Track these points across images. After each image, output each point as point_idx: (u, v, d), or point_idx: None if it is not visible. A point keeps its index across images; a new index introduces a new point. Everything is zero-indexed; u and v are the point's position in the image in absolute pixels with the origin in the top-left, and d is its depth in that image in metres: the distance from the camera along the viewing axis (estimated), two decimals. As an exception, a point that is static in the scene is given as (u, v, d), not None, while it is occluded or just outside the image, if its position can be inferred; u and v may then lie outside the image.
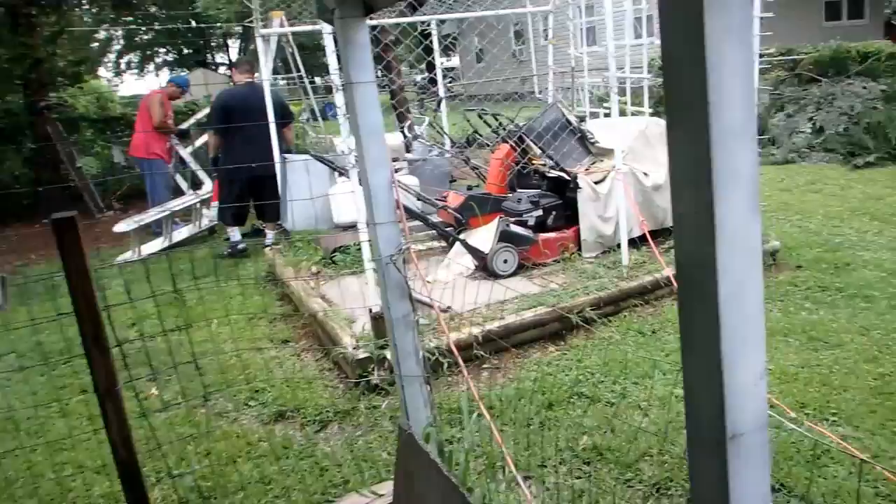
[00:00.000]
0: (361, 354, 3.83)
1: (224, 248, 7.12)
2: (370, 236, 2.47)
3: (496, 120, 6.17)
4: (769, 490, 0.99)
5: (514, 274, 4.92)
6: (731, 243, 0.83)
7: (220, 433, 3.50)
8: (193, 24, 25.09)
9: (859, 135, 8.84)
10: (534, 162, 5.65)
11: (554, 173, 5.39)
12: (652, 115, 6.06)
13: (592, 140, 5.63)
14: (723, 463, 0.92)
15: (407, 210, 5.04)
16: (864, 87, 9.53)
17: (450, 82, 10.39)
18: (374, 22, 7.16)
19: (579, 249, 5.14)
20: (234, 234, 7.00)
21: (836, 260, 5.16)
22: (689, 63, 0.79)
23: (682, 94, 0.82)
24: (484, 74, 12.88)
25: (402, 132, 7.28)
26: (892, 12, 36.72)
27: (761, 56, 12.68)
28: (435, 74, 7.92)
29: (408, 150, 7.03)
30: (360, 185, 2.47)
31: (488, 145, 6.56)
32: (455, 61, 24.57)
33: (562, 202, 5.28)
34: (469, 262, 5.02)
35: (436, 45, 7.37)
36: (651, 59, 8.60)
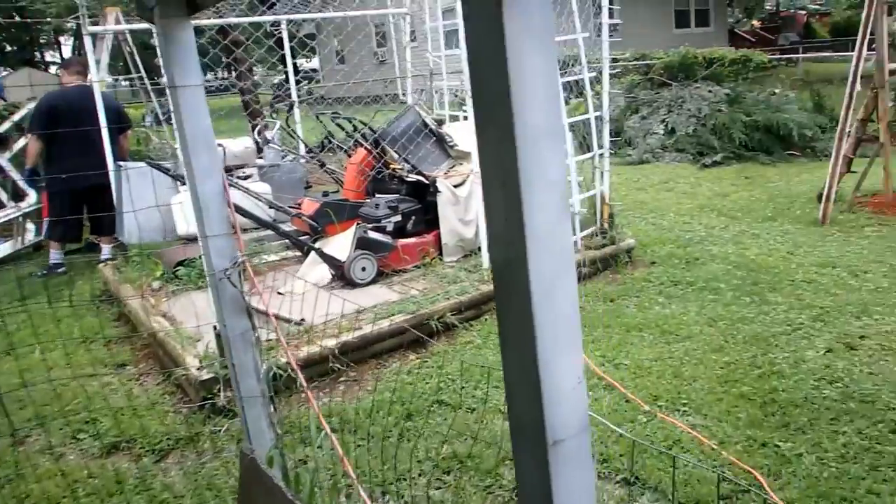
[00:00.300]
0: (206, 375, 3.63)
1: (39, 268, 6.54)
2: (202, 250, 2.36)
3: (350, 124, 6.10)
4: (593, 491, 1.00)
5: (373, 282, 4.86)
6: (542, 244, 0.84)
7: (41, 472, 3.17)
8: (17, 18, 23.12)
9: (706, 135, 9.62)
10: (392, 166, 5.63)
11: (413, 177, 5.40)
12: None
13: (451, 143, 5.69)
14: (545, 469, 0.92)
15: (256, 219, 4.85)
16: (710, 91, 10.39)
17: (308, 84, 10.19)
18: (212, 21, 6.88)
19: (440, 254, 5.18)
20: (56, 254, 6.44)
21: (687, 255, 5.54)
22: (492, 65, 0.81)
23: (486, 97, 0.84)
24: (345, 76, 12.78)
25: (253, 137, 7.04)
26: (735, 21, 40.51)
27: (616, 60, 13.52)
28: (296, 75, 7.74)
29: (259, 156, 6.80)
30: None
31: (345, 150, 6.48)
32: (316, 62, 24.25)
33: (421, 207, 5.29)
34: (325, 272, 4.91)
35: (287, 46, 7.19)
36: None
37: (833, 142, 6.54)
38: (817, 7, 46.37)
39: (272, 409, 2.65)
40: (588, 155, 5.47)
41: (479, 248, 4.98)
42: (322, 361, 3.77)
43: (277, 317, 4.05)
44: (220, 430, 3.46)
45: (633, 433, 3.14)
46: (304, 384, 2.39)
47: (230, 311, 2.40)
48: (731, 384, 3.52)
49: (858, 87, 6.49)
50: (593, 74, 5.47)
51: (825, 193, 6.30)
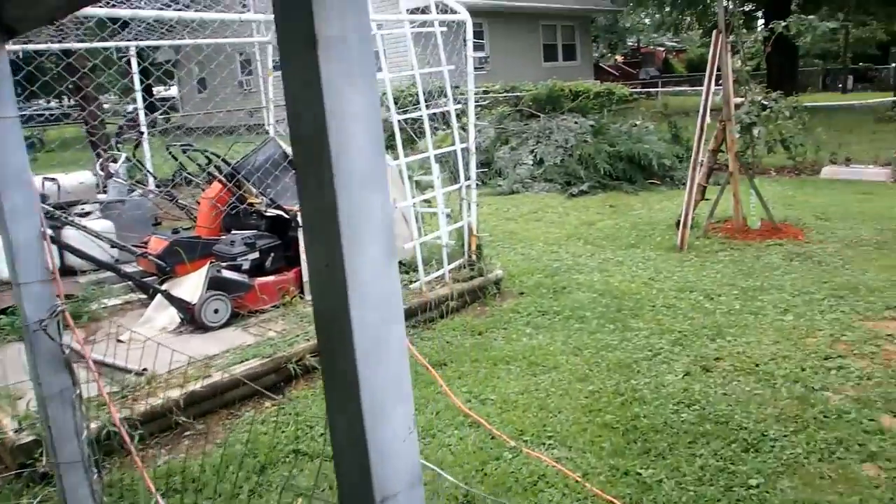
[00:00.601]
0: (26, 438, 3.28)
1: None
2: (13, 299, 2.19)
3: (203, 156, 5.87)
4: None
5: (227, 324, 4.62)
6: (366, 293, 0.82)
7: None
8: None
9: (573, 166, 10.07)
10: (249, 200, 5.44)
11: (272, 212, 5.23)
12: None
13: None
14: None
15: (94, 260, 4.52)
16: (577, 123, 10.91)
17: (165, 113, 9.76)
18: (48, 47, 6.43)
19: (302, 292, 5.03)
20: None
21: (554, 284, 5.70)
22: (309, 108, 0.80)
23: (305, 140, 0.83)
24: (205, 105, 12.36)
25: (95, 170, 6.61)
26: (600, 56, 43.17)
27: (486, 92, 13.94)
28: (146, 103, 7.37)
29: (102, 191, 6.38)
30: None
31: (198, 184, 6.21)
32: (174, 90, 23.40)
33: (281, 243, 5.13)
34: (174, 316, 4.63)
35: (136, 72, 6.86)
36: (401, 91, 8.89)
37: (689, 171, 7.01)
38: (675, 44, 50.36)
39: (96, 475, 2.42)
40: (455, 186, 5.53)
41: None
42: (166, 414, 3.51)
43: (115, 367, 3.76)
44: (45, 501, 3.12)
45: (499, 471, 3.13)
46: (128, 443, 2.20)
47: (46, 366, 2.23)
48: (596, 413, 3.60)
49: (708, 119, 7.02)
50: (459, 106, 5.57)
51: (682, 220, 6.72)
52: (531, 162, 10.38)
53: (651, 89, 24.67)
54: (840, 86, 35.17)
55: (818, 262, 6.02)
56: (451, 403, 3.61)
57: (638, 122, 11.93)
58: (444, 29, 5.35)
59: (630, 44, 50.88)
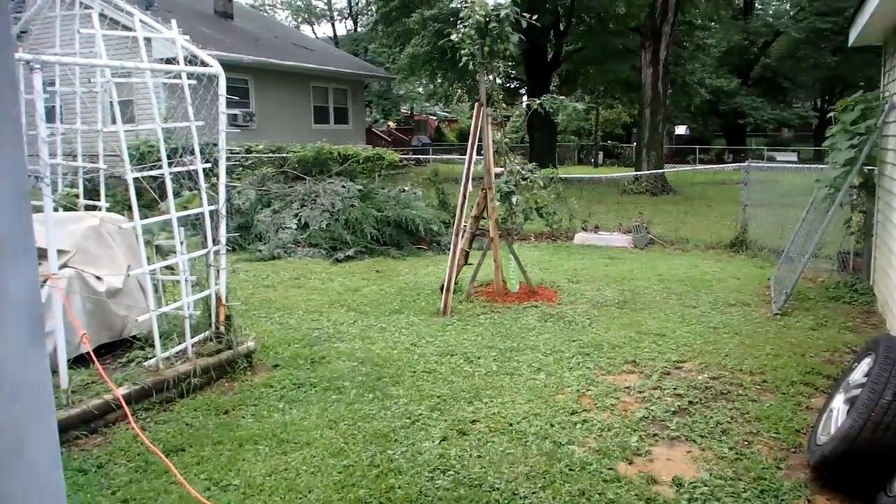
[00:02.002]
0: None
1: None
2: None
3: None
4: None
5: None
6: (3, 387, 0.70)
7: None
8: None
9: (339, 230, 10.17)
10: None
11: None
12: (109, 209, 5.80)
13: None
14: None
15: None
16: (344, 187, 11.08)
17: None
18: None
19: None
20: None
21: (312, 355, 5.60)
22: None
23: None
24: None
25: None
26: (373, 121, 44.74)
27: (250, 151, 13.70)
28: None
29: None
30: None
31: None
32: None
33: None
34: None
35: None
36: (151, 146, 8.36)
37: (453, 237, 7.38)
38: (446, 114, 53.83)
39: None
40: (201, 252, 5.27)
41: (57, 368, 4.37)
42: None
43: None
44: None
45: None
46: None
47: None
48: (349, 489, 3.54)
49: (471, 187, 7.49)
50: (208, 165, 5.36)
51: (446, 285, 7.02)
52: (295, 226, 10.31)
53: (422, 156, 25.96)
54: (592, 160, 39.77)
55: (569, 321, 6.59)
56: (185, 494, 3.34)
57: (407, 188, 12.42)
58: (194, 82, 5.18)
59: (404, 111, 53.48)
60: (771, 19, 39.57)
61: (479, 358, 5.55)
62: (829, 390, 4.39)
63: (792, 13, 38.92)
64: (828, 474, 3.50)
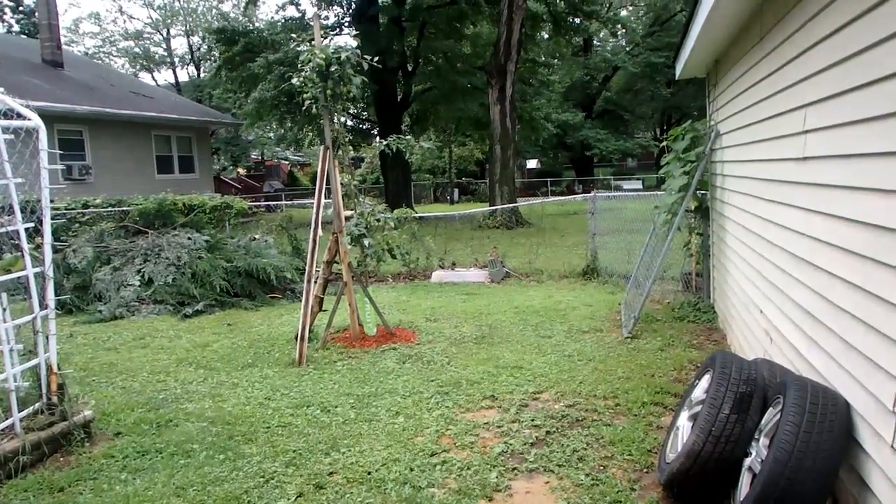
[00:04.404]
0: None
1: None
2: None
3: None
4: None
5: None
6: None
7: None
8: None
9: (186, 284, 9.76)
10: None
11: None
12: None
13: None
14: None
15: None
16: (190, 238, 10.67)
17: None
18: None
19: None
20: None
21: (158, 419, 5.30)
22: None
23: None
24: None
25: None
26: (221, 168, 43.63)
27: (86, 206, 12.95)
28: None
29: None
30: None
31: None
32: None
33: None
34: None
35: None
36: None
37: (305, 283, 7.27)
38: (299, 158, 53.42)
39: None
40: (26, 318, 4.88)
41: None
42: None
43: None
44: None
45: None
46: None
47: None
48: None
49: (321, 231, 7.43)
50: (31, 225, 5.00)
51: (300, 334, 6.88)
52: (138, 283, 9.77)
53: (274, 202, 25.56)
54: (448, 198, 40.70)
55: (427, 361, 6.64)
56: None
57: (258, 236, 12.16)
58: (11, 136, 4.84)
59: (254, 157, 52.53)
60: (609, 55, 43.08)
61: (336, 407, 5.47)
62: (677, 408, 4.69)
63: (628, 49, 42.54)
64: (677, 491, 3.67)
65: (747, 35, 5.66)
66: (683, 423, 3.97)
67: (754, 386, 3.47)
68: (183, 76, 52.42)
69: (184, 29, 49.85)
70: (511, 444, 4.59)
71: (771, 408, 3.34)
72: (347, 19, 29.50)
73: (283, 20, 29.85)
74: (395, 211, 12.84)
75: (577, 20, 30.33)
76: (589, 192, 13.05)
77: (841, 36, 3.21)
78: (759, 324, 5.24)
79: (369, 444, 4.68)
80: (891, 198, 2.63)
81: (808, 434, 2.88)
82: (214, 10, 48.65)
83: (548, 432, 4.78)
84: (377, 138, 27.66)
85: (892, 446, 2.59)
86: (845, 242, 3.14)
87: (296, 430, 4.99)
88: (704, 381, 3.99)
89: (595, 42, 45.15)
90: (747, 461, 3.29)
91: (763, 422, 3.36)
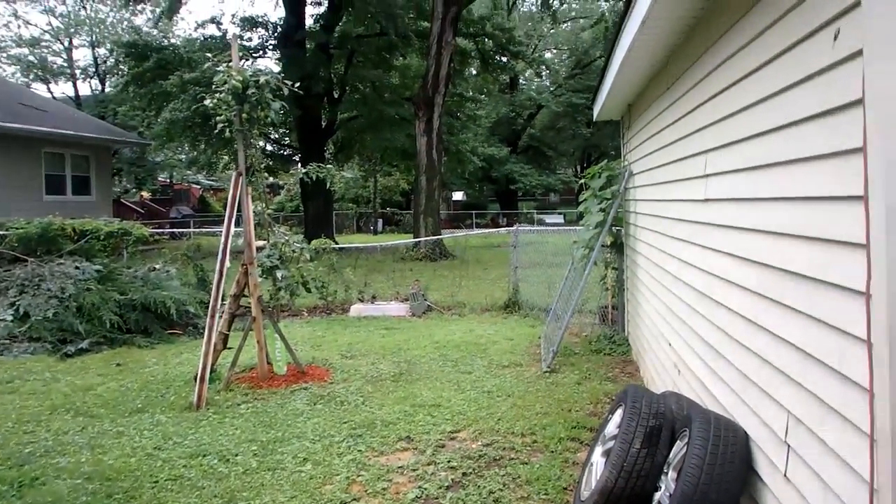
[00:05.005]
0: None
1: None
2: None
3: None
4: None
5: None
6: None
7: None
8: None
9: (70, 319, 9.32)
10: None
11: None
12: None
13: None
14: None
15: None
16: (78, 268, 10.28)
17: None
18: None
19: None
20: None
21: (21, 477, 4.87)
22: None
23: None
24: None
25: None
26: (122, 191, 42.50)
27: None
28: None
29: None
30: None
31: None
32: None
33: None
34: None
35: None
36: None
37: (207, 319, 7.10)
38: (211, 182, 52.49)
39: None
40: None
41: None
42: None
43: None
44: None
45: None
46: None
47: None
48: None
49: (229, 262, 7.32)
50: None
51: (199, 374, 6.69)
52: (11, 317, 9.25)
53: (181, 229, 25.02)
54: (372, 228, 40.71)
55: (341, 402, 6.59)
56: None
57: (158, 266, 11.85)
58: None
59: (162, 179, 51.31)
60: (534, 94, 46.36)
61: (236, 455, 5.33)
62: (591, 444, 4.80)
63: (551, 89, 46.22)
64: (592, 528, 3.77)
65: (656, 84, 6.17)
66: (597, 458, 4.08)
67: (663, 420, 3.61)
68: (85, 90, 50.90)
69: (89, 40, 48.51)
70: (426, 489, 4.60)
71: (679, 441, 3.48)
72: (272, 42, 29.52)
73: (202, 38, 29.61)
74: (314, 241, 12.84)
75: (504, 59, 32.14)
76: (512, 226, 13.37)
77: (726, 95, 3.67)
78: (669, 356, 5.51)
79: (271, 496, 4.58)
80: (775, 239, 2.90)
81: (712, 466, 3.02)
82: (126, 23, 47.60)
83: (464, 474, 4.81)
84: (298, 165, 27.54)
85: (784, 475, 2.76)
86: (741, 280, 3.41)
87: (188, 484, 4.82)
88: (617, 416, 4.11)
89: (521, 80, 48.77)
90: (657, 495, 3.41)
91: (671, 455, 3.49)
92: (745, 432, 3.26)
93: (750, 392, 3.25)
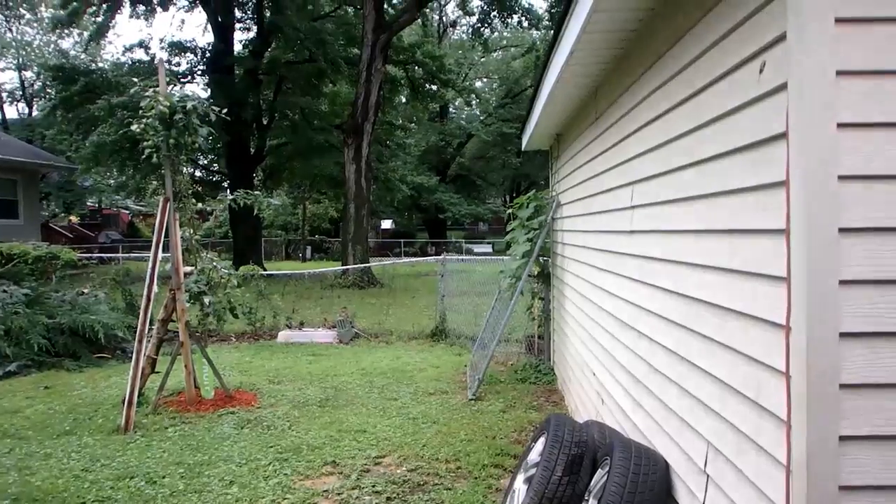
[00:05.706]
0: None
1: None
2: None
3: None
4: None
5: None
6: None
7: None
8: None
9: (-2, 343, 8.89)
10: None
11: None
12: None
13: None
14: None
15: None
16: (6, 291, 9.79)
17: None
18: None
19: None
20: None
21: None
22: None
23: None
24: None
25: None
26: (51, 215, 40.78)
27: None
28: None
29: None
30: None
31: None
32: None
33: None
34: None
35: None
36: None
37: (135, 343, 6.84)
38: (141, 207, 50.89)
39: None
40: None
41: None
42: None
43: None
44: None
45: None
46: None
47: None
48: None
49: (157, 288, 7.07)
50: None
51: (127, 398, 6.45)
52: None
53: (110, 254, 24.13)
54: (300, 255, 40.12)
55: (268, 426, 6.41)
56: None
57: (87, 290, 11.39)
58: None
59: (90, 204, 49.49)
60: (464, 123, 45.66)
61: (163, 477, 5.13)
62: (514, 471, 4.78)
63: (482, 118, 44.93)
64: (513, 556, 3.73)
65: (585, 114, 6.03)
66: (519, 485, 4.05)
67: (585, 448, 3.61)
68: (11, 113, 48.83)
69: (15, 62, 46.61)
70: (351, 513, 4.50)
71: (600, 469, 3.48)
72: (201, 68, 28.90)
73: (130, 62, 28.78)
74: (242, 267, 12.53)
75: (434, 87, 31.35)
76: (440, 255, 13.33)
77: (652, 127, 3.58)
78: (592, 386, 5.49)
79: (197, 519, 4.42)
80: (699, 271, 2.86)
81: (632, 495, 3.02)
82: (53, 46, 45.95)
83: (388, 498, 4.72)
84: (227, 191, 26.99)
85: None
86: (664, 311, 3.36)
87: (114, 506, 4.63)
88: (540, 444, 4.09)
89: (451, 109, 47.43)
90: (578, 523, 3.39)
91: (592, 483, 3.48)
92: (666, 461, 3.24)
93: (671, 422, 3.22)
